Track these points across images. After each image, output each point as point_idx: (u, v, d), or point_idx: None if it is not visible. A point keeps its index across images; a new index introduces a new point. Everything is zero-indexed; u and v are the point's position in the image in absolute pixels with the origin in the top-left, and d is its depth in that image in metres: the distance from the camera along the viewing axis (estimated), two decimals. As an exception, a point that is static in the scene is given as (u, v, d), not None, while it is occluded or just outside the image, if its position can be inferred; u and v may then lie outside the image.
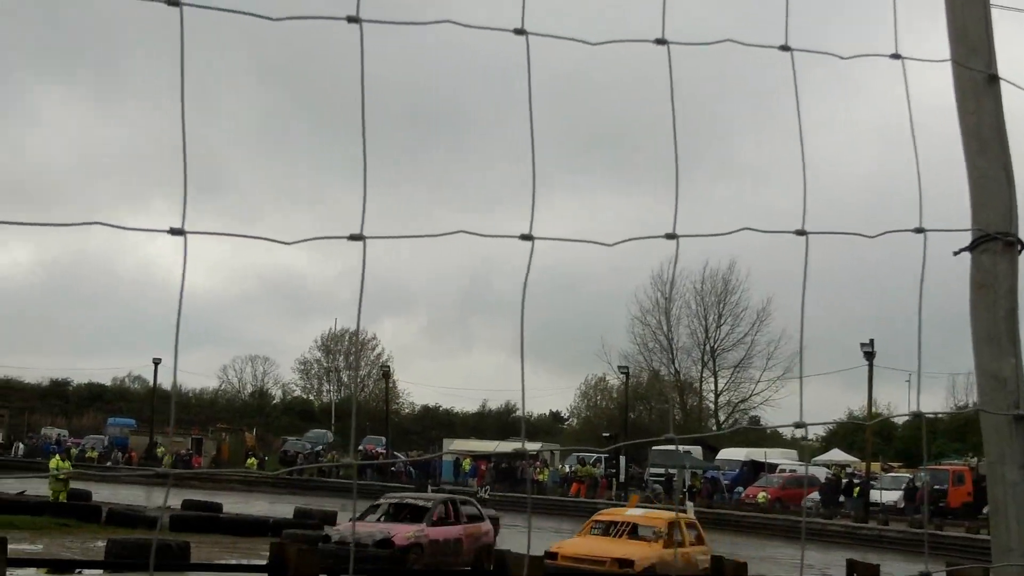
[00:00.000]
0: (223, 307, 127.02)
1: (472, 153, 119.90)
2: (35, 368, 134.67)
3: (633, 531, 26.27)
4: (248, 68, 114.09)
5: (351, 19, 2.63)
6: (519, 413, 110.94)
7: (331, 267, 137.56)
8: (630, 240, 2.81)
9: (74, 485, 40.19)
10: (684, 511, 40.34)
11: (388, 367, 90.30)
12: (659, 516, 27.58)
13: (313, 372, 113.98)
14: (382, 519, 28.18)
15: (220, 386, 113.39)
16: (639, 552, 24.63)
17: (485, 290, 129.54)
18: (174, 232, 2.28)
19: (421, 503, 28.79)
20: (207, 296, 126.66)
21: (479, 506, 30.69)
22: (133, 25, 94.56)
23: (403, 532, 26.26)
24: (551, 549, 25.44)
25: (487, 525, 29.14)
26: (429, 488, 54.10)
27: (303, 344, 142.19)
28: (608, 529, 26.56)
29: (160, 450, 79.82)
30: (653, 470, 68.73)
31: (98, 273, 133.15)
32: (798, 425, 3.11)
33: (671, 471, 68.02)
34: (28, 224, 2.26)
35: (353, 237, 2.45)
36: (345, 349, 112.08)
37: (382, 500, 29.82)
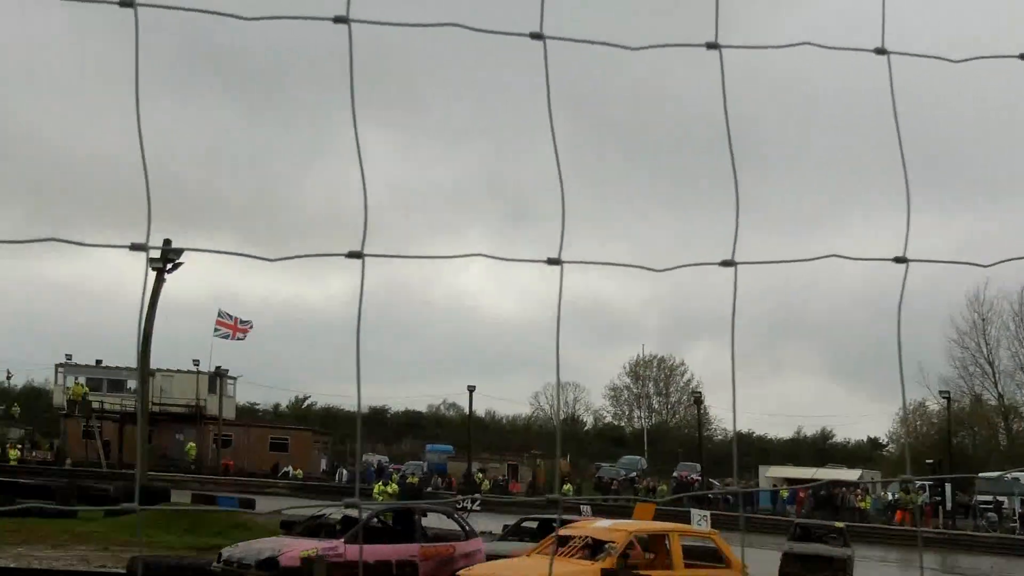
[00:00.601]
0: (532, 333, 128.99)
1: (772, 174, 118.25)
2: (354, 397, 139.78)
3: (588, 548, 20.47)
4: (553, 97, 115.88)
5: (710, 46, 2.63)
6: (837, 439, 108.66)
7: (637, 293, 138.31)
8: (1009, 260, 2.69)
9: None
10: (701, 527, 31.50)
11: (699, 393, 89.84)
12: (621, 529, 21.12)
13: (623, 399, 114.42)
14: (326, 533, 23.56)
15: (533, 413, 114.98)
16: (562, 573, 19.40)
17: (799, 313, 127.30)
18: (551, 262, 2.33)
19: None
20: (517, 322, 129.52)
21: (466, 522, 25.56)
22: (441, 64, 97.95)
23: (298, 549, 21.47)
24: (459, 574, 20.90)
25: (470, 545, 24.00)
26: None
27: (611, 370, 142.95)
28: (562, 546, 20.61)
29: (479, 476, 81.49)
30: (981, 497, 65.98)
31: (411, 303, 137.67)
32: None
33: (999, 498, 65.22)
34: (398, 256, 2.35)
35: (725, 263, 2.43)
36: (654, 375, 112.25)
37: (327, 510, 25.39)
